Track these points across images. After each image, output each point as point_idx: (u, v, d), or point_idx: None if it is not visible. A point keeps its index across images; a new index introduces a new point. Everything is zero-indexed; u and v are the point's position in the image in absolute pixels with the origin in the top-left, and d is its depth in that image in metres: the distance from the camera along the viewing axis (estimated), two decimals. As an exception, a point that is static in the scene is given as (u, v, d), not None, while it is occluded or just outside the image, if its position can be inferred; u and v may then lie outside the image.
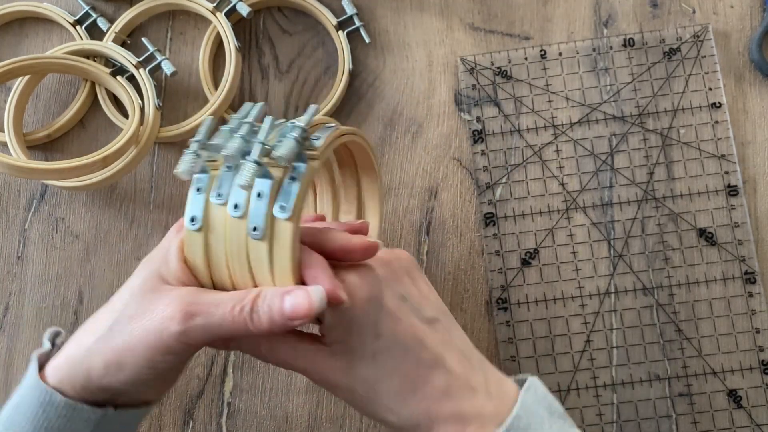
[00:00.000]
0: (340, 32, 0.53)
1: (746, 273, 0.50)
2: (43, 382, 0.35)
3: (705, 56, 0.52)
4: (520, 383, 0.37)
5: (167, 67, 0.52)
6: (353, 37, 0.54)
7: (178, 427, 0.50)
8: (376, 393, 0.35)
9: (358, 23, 0.53)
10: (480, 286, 0.51)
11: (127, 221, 0.53)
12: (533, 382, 0.37)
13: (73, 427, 0.35)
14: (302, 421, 0.50)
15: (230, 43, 0.52)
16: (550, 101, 0.52)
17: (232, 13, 0.53)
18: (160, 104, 0.52)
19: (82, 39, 0.53)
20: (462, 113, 0.53)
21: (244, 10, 0.53)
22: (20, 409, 0.35)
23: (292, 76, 0.54)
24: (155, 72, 0.53)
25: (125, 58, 0.52)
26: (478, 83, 0.53)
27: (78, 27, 0.54)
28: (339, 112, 0.53)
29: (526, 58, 0.53)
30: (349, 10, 0.53)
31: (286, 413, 0.50)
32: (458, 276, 0.51)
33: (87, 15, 0.54)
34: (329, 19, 0.53)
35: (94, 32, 0.54)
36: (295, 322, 0.32)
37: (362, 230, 0.40)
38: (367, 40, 0.53)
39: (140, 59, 0.52)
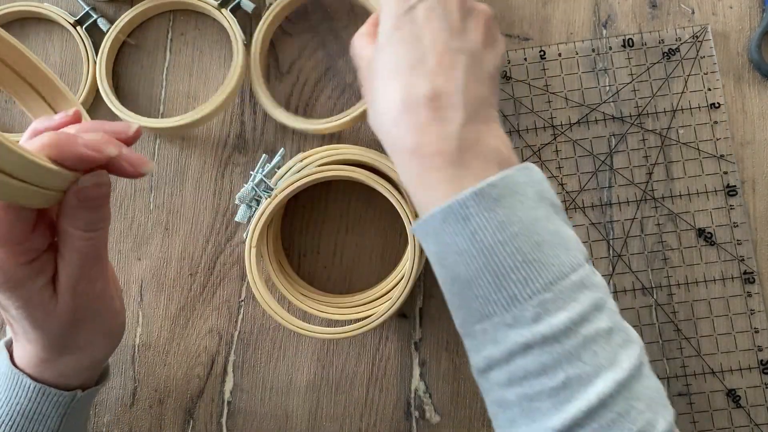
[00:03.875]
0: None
1: (745, 273, 0.50)
2: (14, 367, 0.36)
3: (704, 57, 0.52)
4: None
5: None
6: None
7: (179, 426, 0.50)
8: (383, 79, 0.38)
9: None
10: (479, 286, 0.51)
11: (127, 221, 0.53)
12: (531, 166, 0.36)
13: (44, 411, 0.37)
14: (302, 421, 0.50)
15: (237, 39, 0.52)
16: (549, 102, 0.52)
17: (236, 10, 0.54)
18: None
19: (83, 39, 0.54)
20: (461, 113, 0.53)
21: (248, 6, 0.53)
22: None
23: (292, 77, 0.54)
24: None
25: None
26: (478, 84, 0.53)
27: (78, 27, 0.54)
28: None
29: (525, 59, 0.53)
30: None
31: (286, 412, 0.50)
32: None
33: (87, 15, 0.54)
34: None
35: (95, 32, 0.54)
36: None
37: (76, 120, 0.37)
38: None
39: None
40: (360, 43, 0.41)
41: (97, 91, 0.54)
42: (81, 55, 0.54)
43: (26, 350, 0.37)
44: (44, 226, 0.34)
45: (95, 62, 0.53)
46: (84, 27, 0.54)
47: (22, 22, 0.56)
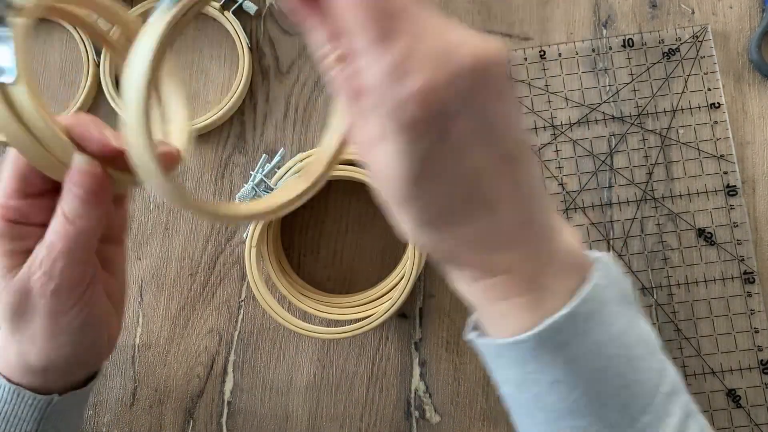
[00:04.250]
0: (226, 13, 0.53)
1: (745, 273, 0.50)
2: None
3: (704, 57, 0.52)
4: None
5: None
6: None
7: (179, 426, 0.50)
8: (414, 206, 0.28)
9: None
10: (479, 286, 0.51)
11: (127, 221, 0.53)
12: (604, 259, 0.31)
13: (19, 413, 0.35)
14: (302, 421, 0.50)
15: (242, 42, 0.52)
16: (549, 102, 0.52)
17: (238, 12, 0.54)
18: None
19: (83, 39, 0.53)
20: (462, 113, 0.53)
21: (251, 9, 0.53)
22: None
23: (292, 76, 0.54)
24: None
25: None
26: (478, 84, 0.53)
27: (78, 28, 0.54)
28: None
29: (525, 59, 0.53)
30: None
31: (286, 412, 0.50)
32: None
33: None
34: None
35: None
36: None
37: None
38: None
39: None
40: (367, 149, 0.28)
41: (98, 91, 0.54)
42: (81, 55, 0.54)
43: (9, 351, 0.35)
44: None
45: (96, 62, 0.53)
46: (84, 27, 0.54)
47: (22, 22, 0.56)
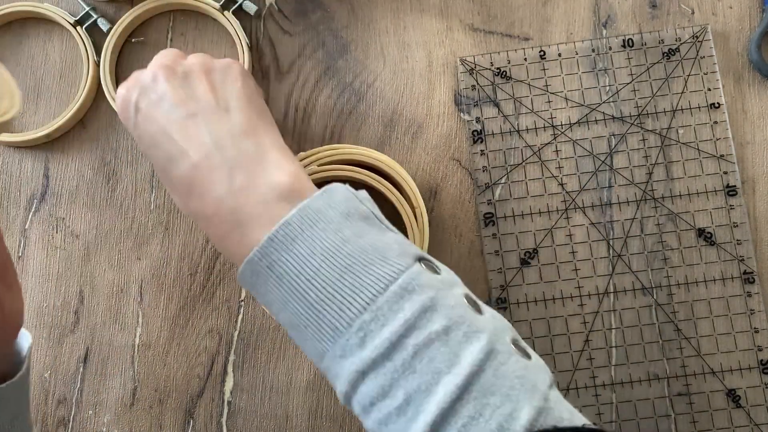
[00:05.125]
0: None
1: (745, 273, 0.50)
2: None
3: (704, 57, 0.52)
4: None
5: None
6: (339, 38, 0.54)
7: (179, 426, 0.50)
8: (162, 181, 0.40)
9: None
10: (479, 286, 0.51)
11: (127, 221, 0.53)
12: (331, 188, 0.36)
13: None
14: (302, 421, 0.50)
15: (241, 42, 0.52)
16: (549, 102, 0.52)
17: (238, 12, 0.54)
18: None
19: (83, 39, 0.54)
20: (461, 114, 0.53)
21: (251, 8, 0.53)
22: None
23: (292, 76, 0.54)
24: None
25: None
26: (478, 84, 0.53)
27: (78, 27, 0.54)
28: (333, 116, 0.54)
29: (525, 59, 0.53)
30: None
31: (286, 412, 0.50)
32: (458, 276, 0.51)
33: (87, 15, 0.54)
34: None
35: (95, 33, 0.54)
36: None
37: None
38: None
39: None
40: (122, 105, 0.42)
41: (97, 91, 0.54)
42: (81, 55, 0.54)
43: None
44: None
45: (96, 62, 0.53)
46: (84, 27, 0.54)
47: (22, 22, 0.56)
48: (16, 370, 0.39)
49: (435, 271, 0.34)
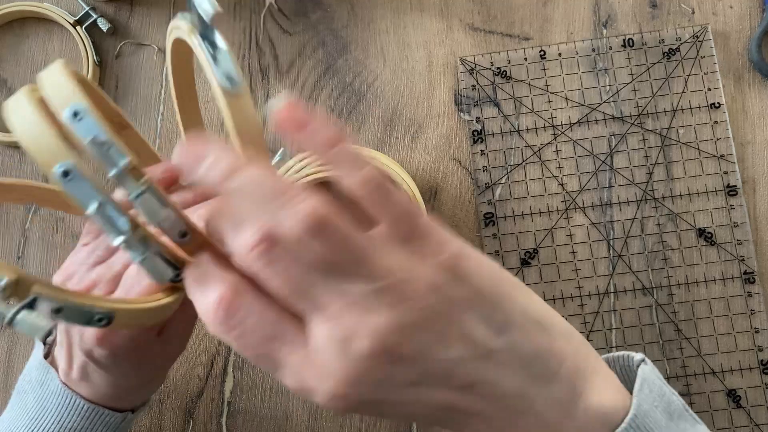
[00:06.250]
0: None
1: (745, 273, 0.50)
2: (65, 387, 0.37)
3: (704, 57, 0.52)
4: (627, 376, 0.29)
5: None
6: (334, 38, 0.54)
7: (179, 426, 0.50)
8: None
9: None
10: (480, 286, 0.51)
11: (127, 221, 0.53)
12: (645, 373, 0.28)
13: (95, 430, 0.38)
14: (302, 421, 0.50)
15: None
16: (549, 101, 0.52)
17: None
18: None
19: (82, 39, 0.54)
20: (462, 113, 0.53)
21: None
22: (46, 411, 0.37)
23: (292, 76, 0.54)
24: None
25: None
26: (478, 84, 0.53)
27: (78, 27, 0.54)
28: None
29: (525, 59, 0.53)
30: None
31: (286, 413, 0.50)
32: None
33: (87, 15, 0.54)
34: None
35: (95, 32, 0.54)
36: None
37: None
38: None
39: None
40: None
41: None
42: (81, 55, 0.54)
43: (96, 377, 0.37)
44: None
45: (95, 62, 0.53)
46: (84, 27, 0.54)
47: (22, 22, 0.56)
48: (144, 403, 0.42)
49: None
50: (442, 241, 0.25)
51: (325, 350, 0.23)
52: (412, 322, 0.23)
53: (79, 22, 0.54)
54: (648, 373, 0.28)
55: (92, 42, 0.54)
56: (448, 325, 0.24)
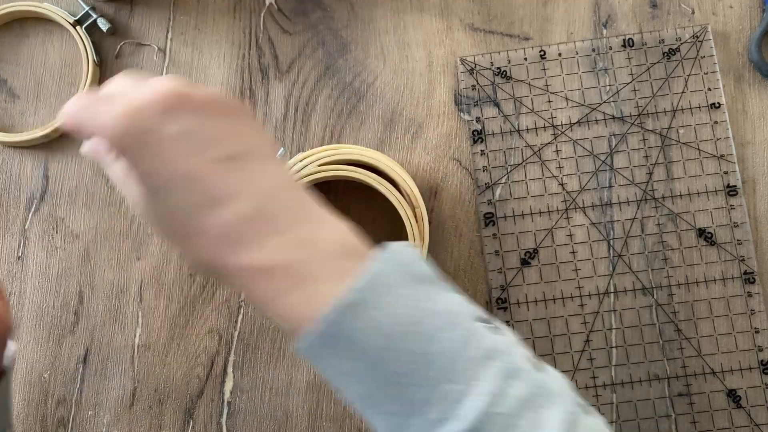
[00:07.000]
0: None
1: (745, 273, 0.50)
2: None
3: (704, 57, 0.52)
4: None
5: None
6: (333, 39, 0.54)
7: (179, 426, 0.50)
8: (169, 228, 0.33)
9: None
10: (479, 286, 0.51)
11: (127, 221, 0.53)
12: (392, 247, 0.32)
13: None
14: (302, 421, 0.50)
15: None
16: (549, 101, 0.52)
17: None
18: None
19: (83, 39, 0.53)
20: (462, 113, 0.53)
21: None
22: None
23: (292, 76, 0.54)
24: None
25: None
26: (478, 84, 0.53)
27: (78, 27, 0.54)
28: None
29: (525, 59, 0.53)
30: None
31: (286, 413, 0.50)
32: (458, 276, 0.51)
33: (87, 15, 0.54)
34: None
35: (95, 32, 0.54)
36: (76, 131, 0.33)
37: None
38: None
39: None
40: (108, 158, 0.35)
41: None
42: (81, 55, 0.54)
43: None
44: None
45: (95, 62, 0.53)
46: (84, 27, 0.54)
47: (22, 22, 0.56)
48: None
49: (498, 330, 0.33)
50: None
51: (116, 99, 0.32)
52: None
53: (78, 22, 0.54)
54: (401, 248, 0.32)
55: (92, 42, 0.54)
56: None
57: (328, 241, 0.32)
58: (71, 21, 0.54)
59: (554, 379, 0.32)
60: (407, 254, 0.32)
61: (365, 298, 0.30)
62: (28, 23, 0.56)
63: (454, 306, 0.32)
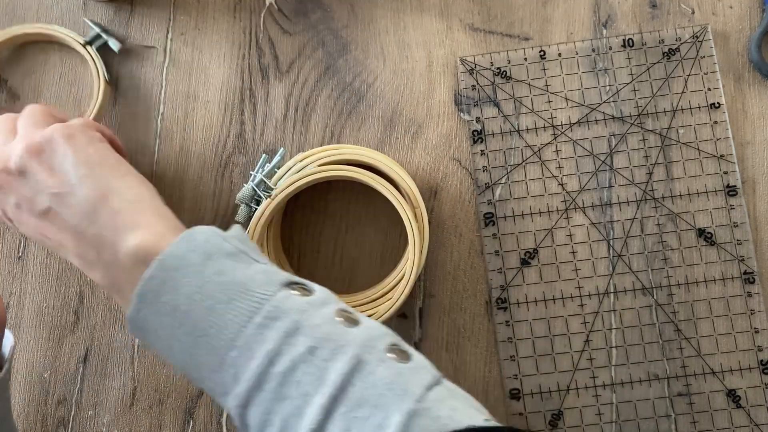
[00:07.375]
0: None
1: (745, 273, 0.50)
2: None
3: (704, 57, 0.52)
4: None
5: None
6: (340, 40, 0.54)
7: (179, 426, 0.50)
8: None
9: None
10: (479, 286, 0.51)
11: (127, 221, 0.53)
12: (191, 232, 0.36)
13: None
14: (302, 421, 0.50)
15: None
16: (549, 102, 0.52)
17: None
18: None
19: (93, 60, 0.53)
20: (461, 114, 0.53)
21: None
22: None
23: (292, 76, 0.54)
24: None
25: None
26: (478, 84, 0.53)
27: (89, 47, 0.53)
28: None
29: (525, 59, 0.53)
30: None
31: (286, 413, 0.50)
32: (458, 276, 0.51)
33: (98, 36, 0.54)
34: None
35: (106, 52, 0.54)
36: None
37: None
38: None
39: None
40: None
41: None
42: (92, 75, 0.53)
43: None
44: None
45: (106, 80, 0.53)
46: (94, 47, 0.54)
47: (33, 44, 0.55)
48: None
49: (307, 292, 0.35)
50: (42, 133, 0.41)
51: None
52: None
53: (89, 42, 0.54)
54: (199, 229, 0.36)
55: (103, 61, 0.53)
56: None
57: (126, 254, 0.36)
58: (82, 42, 0.53)
59: (360, 330, 0.33)
60: (202, 234, 0.36)
61: (157, 283, 0.34)
62: (38, 44, 0.56)
63: (247, 278, 0.34)
